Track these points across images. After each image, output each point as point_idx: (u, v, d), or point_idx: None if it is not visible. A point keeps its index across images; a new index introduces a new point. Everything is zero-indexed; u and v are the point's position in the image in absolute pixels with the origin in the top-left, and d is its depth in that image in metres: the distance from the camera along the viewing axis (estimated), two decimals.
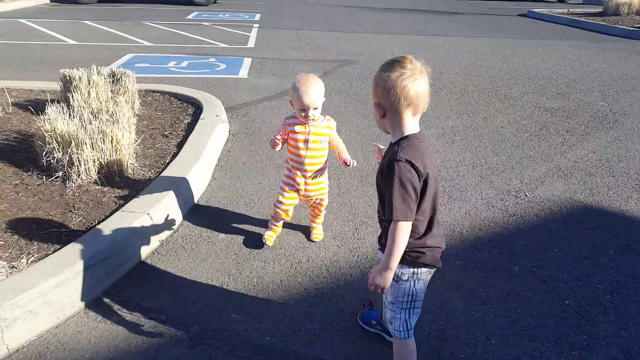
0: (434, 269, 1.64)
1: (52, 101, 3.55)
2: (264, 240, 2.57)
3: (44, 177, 2.98)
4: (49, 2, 14.19)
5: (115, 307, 2.12)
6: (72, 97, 3.78)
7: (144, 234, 2.49)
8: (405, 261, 1.56)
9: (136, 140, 3.37)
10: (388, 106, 1.45)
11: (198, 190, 3.13)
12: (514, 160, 3.87)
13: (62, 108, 3.24)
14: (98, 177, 2.99)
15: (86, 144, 2.93)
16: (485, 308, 2.20)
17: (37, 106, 4.05)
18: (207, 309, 2.14)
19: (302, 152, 2.37)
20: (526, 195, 3.30)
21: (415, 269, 1.59)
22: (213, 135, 3.73)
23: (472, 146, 4.12)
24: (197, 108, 4.52)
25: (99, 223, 2.48)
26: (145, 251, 2.49)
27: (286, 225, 2.75)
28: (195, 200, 3.05)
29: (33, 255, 2.21)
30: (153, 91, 4.98)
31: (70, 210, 2.64)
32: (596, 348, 1.99)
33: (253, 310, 2.14)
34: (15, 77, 5.55)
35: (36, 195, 2.79)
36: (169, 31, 9.56)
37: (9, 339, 1.85)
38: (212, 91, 5.20)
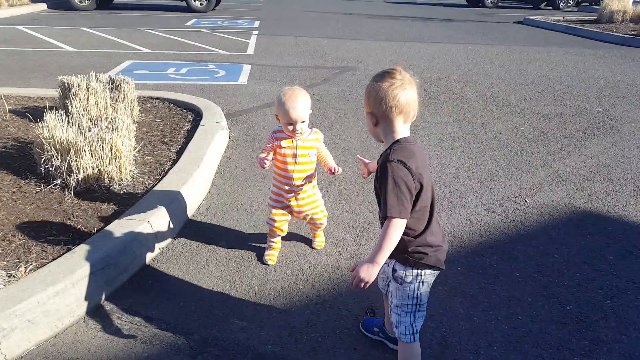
0: (438, 272, 1.65)
1: (51, 108, 3.55)
2: (265, 262, 2.51)
3: (42, 185, 2.96)
4: (46, 8, 14.23)
5: (115, 315, 2.10)
6: (71, 104, 3.78)
7: (143, 242, 2.48)
8: (408, 262, 1.58)
9: (135, 148, 3.36)
10: (380, 114, 1.53)
11: (198, 198, 3.12)
12: (513, 166, 3.88)
13: (61, 115, 3.23)
14: (97, 185, 2.97)
15: (85, 151, 2.92)
16: (487, 314, 2.19)
17: (34, 113, 4.05)
18: (208, 317, 2.12)
19: (290, 167, 2.31)
20: (526, 201, 3.31)
21: (419, 271, 1.60)
22: (213, 142, 3.73)
23: (471, 152, 4.13)
24: (197, 115, 4.52)
25: (98, 231, 2.47)
26: (145, 259, 2.48)
27: (287, 233, 2.73)
28: (196, 208, 3.04)
29: (31, 264, 2.19)
30: (152, 98, 4.98)
31: (69, 218, 2.63)
32: (597, 354, 1.99)
33: (255, 318, 2.12)
34: (13, 84, 5.55)
35: (34, 203, 2.77)
36: (167, 38, 9.59)
37: (6, 349, 1.83)
38: (211, 98, 5.21)
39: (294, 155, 2.30)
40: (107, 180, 3.02)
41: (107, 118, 3.53)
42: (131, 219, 2.54)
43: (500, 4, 19.76)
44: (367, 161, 2.02)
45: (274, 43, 9.45)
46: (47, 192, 2.90)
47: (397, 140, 1.54)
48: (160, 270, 2.44)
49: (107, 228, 2.46)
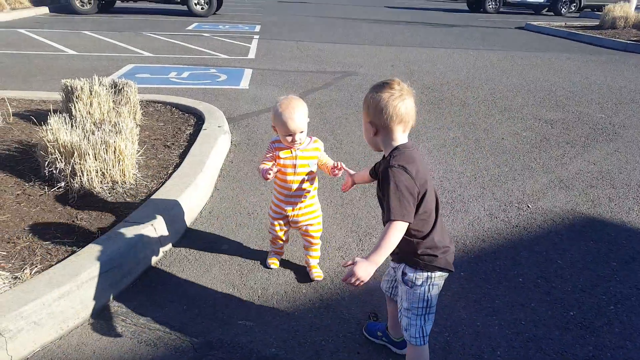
0: (447, 274, 1.67)
1: (54, 111, 3.56)
2: (268, 265, 2.50)
3: (46, 188, 2.97)
4: (47, 12, 14.30)
5: (120, 318, 2.11)
6: (75, 107, 3.80)
7: (147, 245, 2.48)
8: (418, 265, 1.61)
9: (138, 151, 3.38)
10: (380, 124, 1.57)
11: (201, 201, 3.13)
12: (515, 171, 3.88)
13: (64, 118, 3.25)
14: (101, 188, 2.98)
15: (89, 154, 2.93)
16: (491, 319, 2.20)
17: (38, 116, 4.06)
18: (212, 320, 2.12)
19: (290, 178, 2.24)
20: (528, 206, 3.31)
21: (429, 273, 1.62)
22: (215, 146, 3.74)
23: (473, 157, 4.14)
24: (199, 119, 4.54)
25: (102, 234, 2.48)
26: (149, 262, 2.48)
27: (290, 236, 2.74)
28: (199, 211, 3.05)
29: (36, 266, 2.20)
30: (154, 102, 5.00)
31: (73, 221, 2.63)
32: (601, 359, 1.99)
33: (258, 322, 2.13)
34: (16, 87, 5.57)
35: (38, 206, 2.78)
36: (169, 42, 9.62)
37: (12, 350, 1.84)
38: (213, 102, 5.23)
39: (294, 166, 2.23)
40: (110, 183, 3.03)
41: (110, 121, 3.54)
42: (135, 222, 2.55)
43: (501, 9, 19.83)
44: (352, 172, 2.07)
45: (275, 47, 9.48)
46: (51, 195, 2.90)
47: (397, 147, 1.58)
48: (164, 273, 2.44)
49: (111, 231, 2.46)
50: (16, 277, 2.10)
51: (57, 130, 3.03)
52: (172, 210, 2.73)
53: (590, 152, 4.35)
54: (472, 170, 3.87)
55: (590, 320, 2.22)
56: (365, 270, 1.43)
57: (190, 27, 12.09)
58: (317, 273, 2.44)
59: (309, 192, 2.31)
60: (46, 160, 3.01)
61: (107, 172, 3.02)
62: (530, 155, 4.24)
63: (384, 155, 1.64)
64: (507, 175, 3.80)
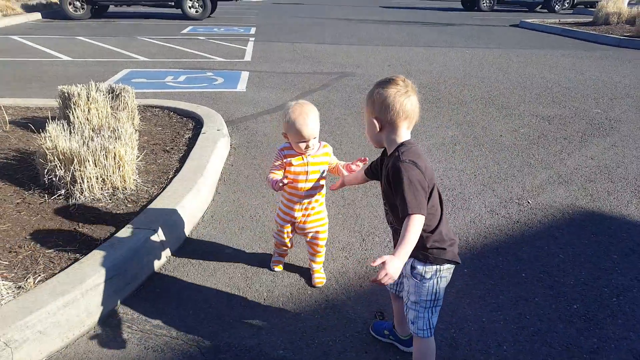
0: (454, 266, 1.69)
1: (52, 118, 3.55)
2: (272, 268, 2.50)
3: (46, 196, 2.96)
4: (40, 18, 14.26)
5: (126, 324, 2.10)
6: (72, 113, 3.78)
7: (151, 250, 2.48)
8: (427, 259, 1.63)
9: (138, 156, 3.37)
10: (386, 120, 1.58)
11: (203, 205, 3.12)
12: (514, 168, 3.90)
13: (63, 125, 3.24)
14: (101, 194, 2.98)
15: (89, 160, 2.92)
16: (495, 315, 2.21)
17: (34, 124, 4.05)
18: (218, 323, 2.12)
19: (301, 185, 2.18)
20: (529, 202, 3.33)
21: (438, 266, 1.64)
22: (215, 149, 3.74)
23: (472, 155, 4.15)
24: (197, 122, 4.53)
25: (104, 240, 2.47)
26: (153, 268, 2.48)
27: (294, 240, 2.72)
28: (200, 216, 3.04)
29: (39, 275, 2.19)
30: (152, 106, 4.99)
31: (75, 228, 2.63)
32: (606, 351, 2.01)
33: (265, 324, 2.13)
34: (11, 95, 5.54)
35: (39, 214, 2.77)
36: (164, 46, 9.61)
37: None
38: (211, 105, 5.22)
39: (306, 173, 2.17)
40: (111, 190, 3.03)
41: (109, 127, 3.53)
42: (137, 228, 2.54)
43: (495, 7, 19.90)
44: (346, 173, 2.09)
45: (271, 49, 9.49)
46: (52, 203, 2.90)
47: (402, 143, 1.59)
48: (168, 278, 2.44)
49: (114, 237, 2.46)
50: (20, 287, 2.09)
51: (56, 138, 3.02)
52: (174, 215, 2.73)
53: (588, 147, 4.37)
54: (472, 168, 3.88)
55: (593, 312, 2.23)
56: (395, 267, 1.44)
57: (185, 31, 12.08)
58: (319, 279, 2.40)
59: (318, 199, 2.27)
60: (45, 168, 3.00)
61: (108, 179, 3.01)
62: (529, 151, 4.25)
63: (386, 152, 1.65)
64: (507, 172, 3.81)
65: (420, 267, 1.65)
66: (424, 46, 10.28)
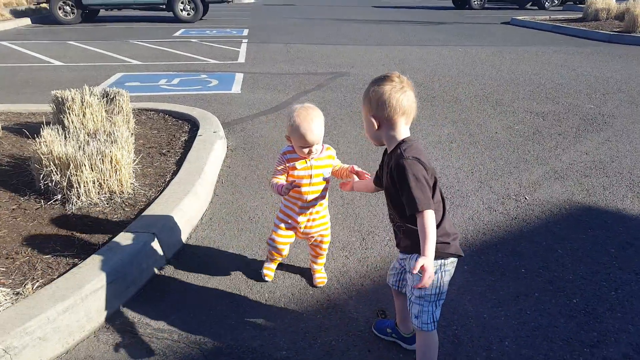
0: (457, 259, 1.70)
1: (46, 124, 3.52)
2: (263, 278, 2.40)
3: (42, 201, 2.94)
4: (30, 23, 14.16)
5: (126, 329, 2.09)
6: (67, 118, 3.76)
7: (150, 254, 2.46)
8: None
9: (134, 160, 3.35)
10: (383, 117, 1.59)
11: (201, 208, 3.11)
12: (511, 164, 3.92)
13: (57, 130, 3.21)
14: (98, 199, 2.96)
15: (85, 165, 2.90)
16: (496, 311, 2.21)
17: (28, 129, 4.02)
18: (220, 326, 2.11)
19: (305, 189, 2.15)
20: (526, 198, 3.34)
21: (442, 260, 1.65)
22: (212, 151, 3.73)
23: (469, 152, 4.17)
24: (193, 125, 4.52)
25: (103, 245, 2.45)
26: (152, 271, 2.46)
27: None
28: (199, 218, 3.03)
29: (38, 281, 2.17)
30: (146, 110, 4.97)
31: (72, 233, 2.61)
32: (606, 344, 2.02)
33: (267, 325, 2.12)
34: (2, 101, 5.49)
35: (35, 220, 2.75)
36: (157, 49, 9.58)
37: None
38: (206, 107, 5.21)
39: (309, 177, 2.14)
40: (108, 194, 3.01)
41: (105, 131, 3.51)
42: (136, 232, 2.53)
43: (486, 5, 20.02)
44: (356, 179, 2.07)
45: (265, 51, 9.48)
46: (48, 208, 2.87)
47: (403, 140, 1.60)
48: (168, 281, 2.42)
49: (112, 241, 2.44)
50: (18, 293, 2.07)
51: (51, 143, 3.00)
52: (172, 218, 2.72)
53: (582, 143, 4.40)
54: (469, 165, 3.90)
55: (593, 306, 2.25)
56: (431, 266, 1.47)
57: (177, 34, 12.05)
58: (320, 279, 2.39)
59: (322, 202, 2.24)
60: (41, 173, 2.97)
61: (105, 183, 2.99)
62: (524, 147, 4.28)
63: (388, 150, 1.66)
64: (503, 169, 3.83)
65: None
66: (417, 45, 10.31)
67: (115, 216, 2.80)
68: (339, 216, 3.07)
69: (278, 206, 2.35)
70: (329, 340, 2.03)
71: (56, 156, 2.93)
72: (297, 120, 2.01)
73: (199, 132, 4.17)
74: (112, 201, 2.96)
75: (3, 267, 2.28)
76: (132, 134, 3.96)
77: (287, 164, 2.13)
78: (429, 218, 1.49)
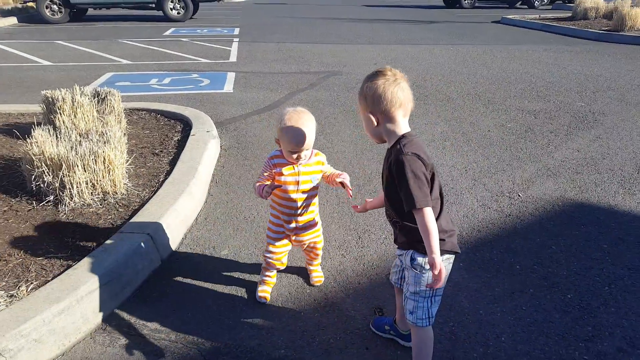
0: (454, 256, 1.70)
1: (38, 124, 3.48)
2: (259, 299, 2.25)
3: (34, 202, 2.91)
4: (16, 22, 13.97)
5: (123, 330, 2.07)
6: (58, 118, 3.72)
7: (145, 255, 2.45)
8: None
9: (127, 160, 3.32)
10: (380, 112, 1.58)
11: (196, 208, 3.09)
12: (504, 162, 3.95)
13: (49, 130, 3.18)
14: (92, 199, 2.93)
15: (78, 165, 2.87)
16: (492, 307, 2.23)
17: (17, 130, 3.97)
18: (218, 325, 2.10)
19: (293, 195, 2.08)
20: (519, 195, 3.37)
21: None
22: (206, 151, 3.71)
23: (462, 150, 4.19)
24: (186, 125, 4.49)
25: (97, 246, 2.43)
26: (147, 272, 2.44)
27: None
28: (194, 218, 3.01)
29: (32, 283, 2.15)
30: (138, 109, 4.93)
31: (66, 235, 2.58)
32: (601, 338, 2.04)
33: (265, 324, 2.12)
34: None
35: (27, 221, 2.72)
36: (147, 48, 9.50)
37: None
38: (198, 107, 5.18)
39: (297, 183, 2.07)
40: (101, 195, 2.98)
41: (97, 131, 3.48)
42: (130, 232, 2.51)
43: (476, 4, 20.15)
44: (370, 200, 2.01)
45: (256, 50, 9.45)
46: (40, 209, 2.84)
47: (403, 135, 1.59)
48: (164, 281, 2.41)
49: (107, 243, 2.42)
50: (12, 295, 2.04)
51: (43, 143, 2.96)
52: (167, 219, 2.70)
53: (574, 140, 4.45)
54: (462, 163, 3.92)
55: (587, 301, 2.27)
56: (439, 262, 1.48)
57: (167, 33, 11.97)
58: (317, 278, 2.39)
59: (312, 209, 2.19)
60: (32, 174, 2.94)
61: (98, 183, 2.96)
62: (517, 145, 4.31)
63: (388, 146, 1.65)
64: (497, 166, 3.86)
65: (420, 259, 1.65)
66: (409, 44, 10.34)
67: (109, 217, 2.77)
68: (334, 215, 3.08)
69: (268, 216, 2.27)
70: (327, 339, 2.03)
71: (48, 157, 2.90)
72: (288, 124, 1.94)
73: (192, 132, 4.15)
74: (106, 202, 2.93)
75: None
76: (124, 134, 3.93)
77: (274, 169, 2.07)
78: (427, 214, 1.49)
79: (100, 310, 2.11)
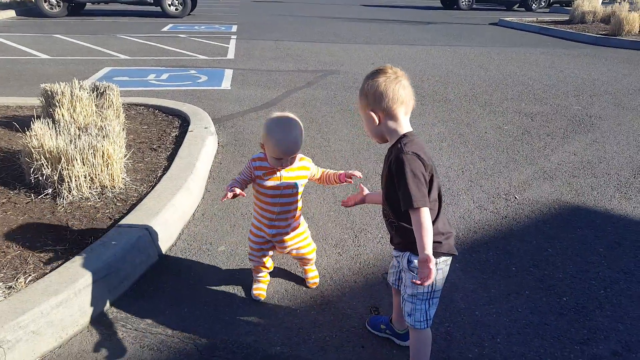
0: (451, 258, 1.70)
1: (37, 117, 3.47)
2: (254, 297, 2.24)
3: (33, 195, 2.90)
4: (14, 15, 13.87)
5: (120, 323, 2.07)
6: (57, 112, 3.71)
7: (143, 249, 2.45)
8: None
9: (125, 155, 3.32)
10: (382, 110, 1.57)
11: (193, 203, 3.09)
12: (500, 164, 3.97)
13: (48, 123, 3.17)
14: (90, 193, 2.92)
15: (76, 159, 2.87)
16: (488, 308, 2.24)
17: (16, 122, 3.95)
18: (214, 321, 2.11)
19: (273, 200, 2.03)
20: (515, 197, 3.39)
21: (434, 259, 1.62)
22: (204, 147, 3.71)
23: (459, 152, 4.21)
24: (184, 120, 4.49)
25: (95, 239, 2.43)
26: (145, 266, 2.45)
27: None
28: (191, 214, 3.01)
29: (30, 275, 2.15)
30: (136, 104, 4.92)
31: (64, 228, 2.58)
32: (596, 341, 2.06)
33: (261, 321, 2.13)
34: None
35: (26, 214, 2.71)
36: (145, 44, 9.47)
37: None
38: (196, 103, 5.17)
39: (279, 187, 2.01)
40: (100, 189, 2.98)
41: (96, 125, 3.47)
42: (128, 227, 2.51)
43: (474, 6, 20.20)
44: (367, 191, 2.02)
45: (254, 47, 9.43)
46: (39, 202, 2.83)
47: (405, 134, 1.58)
48: (162, 276, 2.41)
49: (105, 236, 2.42)
50: (10, 287, 2.04)
51: (42, 136, 2.95)
52: (165, 214, 2.70)
53: (570, 143, 4.48)
54: (459, 165, 3.94)
55: (582, 304, 2.29)
56: (428, 269, 1.45)
57: (165, 29, 11.92)
58: (312, 280, 2.35)
59: (295, 214, 2.13)
60: (31, 167, 2.93)
61: (96, 177, 2.96)
62: (514, 147, 4.34)
63: (389, 146, 1.63)
64: (493, 168, 3.88)
65: (416, 261, 1.64)
66: (406, 44, 10.36)
67: (107, 211, 2.77)
68: (331, 213, 3.09)
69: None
70: (323, 336, 2.04)
71: (47, 150, 2.89)
72: (275, 128, 1.88)
73: (190, 128, 4.14)
74: (104, 196, 2.93)
75: None
76: (123, 128, 3.93)
77: (255, 172, 2.00)
78: (424, 214, 1.48)
79: (98, 304, 2.11)
